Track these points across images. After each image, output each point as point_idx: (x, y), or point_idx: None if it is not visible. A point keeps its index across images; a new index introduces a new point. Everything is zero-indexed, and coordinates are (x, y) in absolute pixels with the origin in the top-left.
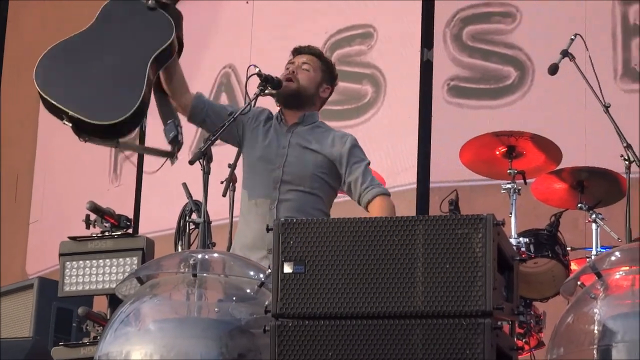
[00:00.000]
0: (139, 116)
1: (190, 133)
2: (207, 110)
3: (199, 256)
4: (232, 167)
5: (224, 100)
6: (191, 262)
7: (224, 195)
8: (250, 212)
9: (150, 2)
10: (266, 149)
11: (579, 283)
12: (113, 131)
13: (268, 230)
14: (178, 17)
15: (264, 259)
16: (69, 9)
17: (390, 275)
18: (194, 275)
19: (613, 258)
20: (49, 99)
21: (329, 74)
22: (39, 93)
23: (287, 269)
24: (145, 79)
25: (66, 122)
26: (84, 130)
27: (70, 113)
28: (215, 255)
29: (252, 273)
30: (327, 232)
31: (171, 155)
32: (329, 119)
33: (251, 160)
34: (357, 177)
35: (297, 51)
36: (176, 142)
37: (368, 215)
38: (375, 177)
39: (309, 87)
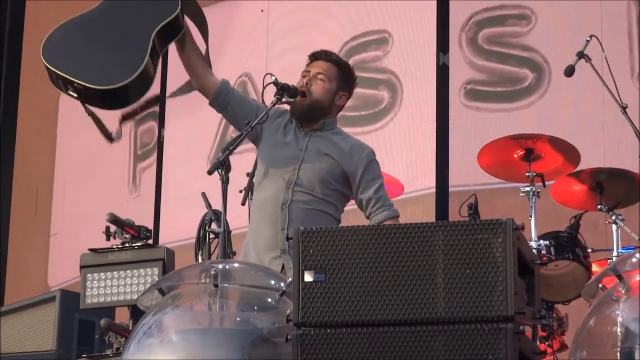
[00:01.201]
0: (142, 83)
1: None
2: (230, 99)
3: (220, 266)
4: (251, 175)
5: None
6: (212, 272)
7: (243, 204)
8: (261, 210)
9: None
10: (283, 149)
11: (600, 285)
12: (116, 97)
13: (288, 239)
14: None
15: (277, 258)
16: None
17: (411, 281)
18: (215, 286)
19: (634, 260)
20: (53, 69)
21: (345, 81)
22: (45, 65)
23: (308, 277)
24: (149, 48)
25: (71, 93)
26: (88, 98)
27: (75, 81)
28: (236, 265)
29: (273, 282)
30: (347, 240)
31: (109, 138)
32: (346, 125)
33: (266, 159)
34: (370, 197)
35: (314, 56)
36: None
37: None
38: (394, 183)
39: (323, 99)
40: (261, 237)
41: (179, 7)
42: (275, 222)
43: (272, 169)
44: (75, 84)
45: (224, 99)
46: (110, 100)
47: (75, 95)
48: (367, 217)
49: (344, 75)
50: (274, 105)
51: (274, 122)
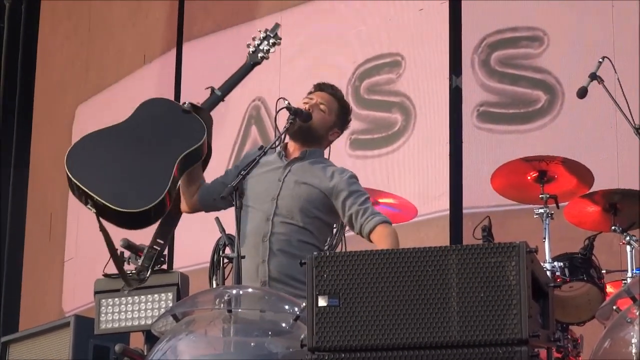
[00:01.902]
0: (160, 209)
1: (222, 167)
2: (213, 195)
3: (234, 292)
4: None
5: (254, 133)
6: (226, 297)
7: None
8: (244, 243)
9: (186, 104)
10: (262, 183)
11: (614, 307)
12: (133, 219)
13: (301, 264)
14: (209, 122)
15: None
16: (97, 47)
17: (425, 305)
18: (229, 311)
19: None
20: (77, 182)
21: (342, 120)
22: (67, 175)
23: (322, 302)
24: (172, 175)
25: (90, 207)
26: (105, 215)
27: (95, 198)
28: (250, 290)
29: (287, 307)
30: (361, 264)
31: (127, 286)
32: (359, 149)
33: (248, 194)
34: (358, 210)
35: (319, 87)
36: (141, 276)
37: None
38: (407, 206)
39: (320, 128)
40: (244, 269)
41: (205, 137)
42: (257, 255)
43: (252, 202)
44: (95, 199)
45: (209, 205)
46: (126, 221)
47: (94, 210)
48: (359, 231)
49: (343, 113)
50: (287, 129)
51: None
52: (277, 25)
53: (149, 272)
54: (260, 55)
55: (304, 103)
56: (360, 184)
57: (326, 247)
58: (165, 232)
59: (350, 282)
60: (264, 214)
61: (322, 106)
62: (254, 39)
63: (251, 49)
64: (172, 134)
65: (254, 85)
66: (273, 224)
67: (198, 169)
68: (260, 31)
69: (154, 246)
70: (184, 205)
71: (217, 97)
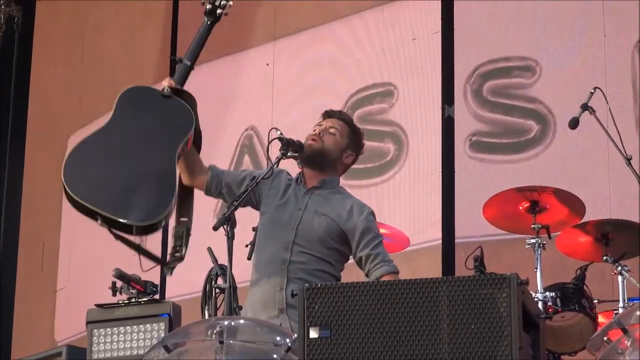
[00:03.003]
0: (170, 214)
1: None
2: (222, 183)
3: (225, 323)
4: (257, 230)
5: (246, 162)
6: (218, 329)
7: (249, 259)
8: (261, 271)
9: (165, 90)
10: (282, 209)
11: (605, 339)
12: (146, 229)
13: (293, 295)
14: (193, 101)
15: (275, 318)
16: (90, 76)
17: (416, 337)
18: (221, 342)
19: (639, 313)
20: (80, 201)
21: (355, 142)
22: (68, 194)
23: (313, 334)
24: (176, 176)
25: (102, 224)
26: (117, 227)
27: (105, 215)
28: (242, 321)
29: (278, 338)
30: (352, 296)
31: (163, 264)
32: (352, 178)
33: (266, 219)
34: (369, 253)
35: (328, 114)
36: (177, 256)
37: None
38: (399, 236)
39: (333, 151)
40: (259, 297)
41: (194, 122)
42: (274, 283)
43: (271, 230)
44: (104, 216)
45: (216, 188)
46: (138, 230)
47: (106, 225)
48: (367, 274)
49: (354, 135)
50: (279, 160)
51: (273, 182)
52: None
53: (184, 249)
54: (218, 11)
55: (314, 131)
56: (375, 220)
57: None
58: (186, 208)
59: (341, 313)
60: (283, 243)
61: (331, 130)
62: None
63: (207, 6)
64: (161, 125)
65: (247, 114)
66: (292, 252)
67: (192, 149)
68: None
69: (180, 224)
70: (187, 179)
71: (187, 67)
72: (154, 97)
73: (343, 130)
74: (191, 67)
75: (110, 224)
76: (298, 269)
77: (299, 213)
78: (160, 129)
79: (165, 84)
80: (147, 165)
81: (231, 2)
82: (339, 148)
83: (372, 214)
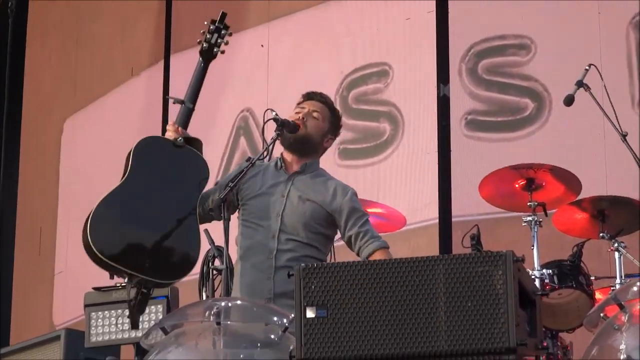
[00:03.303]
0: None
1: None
2: (205, 207)
3: (222, 304)
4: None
5: (242, 143)
6: (215, 310)
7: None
8: (246, 260)
9: (179, 140)
10: (264, 198)
11: (602, 315)
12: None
13: (289, 276)
14: (200, 147)
15: None
16: (85, 60)
17: (413, 315)
18: (218, 323)
19: (635, 288)
20: (116, 265)
21: (335, 126)
22: (103, 261)
23: (310, 313)
24: (198, 227)
25: (134, 285)
26: (145, 284)
27: (140, 277)
28: (239, 302)
29: (275, 319)
30: (348, 276)
31: (134, 326)
32: (347, 158)
33: (250, 208)
34: (358, 232)
35: (309, 96)
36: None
37: None
38: (396, 215)
39: (315, 136)
40: (246, 286)
41: (208, 169)
42: (261, 271)
43: (255, 218)
44: (139, 278)
45: (210, 213)
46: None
47: (135, 285)
48: (357, 253)
49: (334, 119)
50: (275, 141)
51: (250, 173)
52: (224, 14)
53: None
54: (215, 50)
55: (296, 113)
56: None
57: None
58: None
59: (338, 293)
60: (269, 231)
61: (315, 114)
62: (203, 33)
63: (203, 45)
64: (178, 178)
65: (242, 96)
66: (279, 240)
67: None
68: (206, 23)
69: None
70: None
71: (189, 109)
72: (168, 149)
73: (325, 113)
74: (193, 110)
75: (146, 283)
76: (285, 256)
77: (283, 200)
78: (178, 181)
79: (172, 133)
80: (170, 225)
81: (227, 39)
82: (321, 132)
83: (355, 194)
